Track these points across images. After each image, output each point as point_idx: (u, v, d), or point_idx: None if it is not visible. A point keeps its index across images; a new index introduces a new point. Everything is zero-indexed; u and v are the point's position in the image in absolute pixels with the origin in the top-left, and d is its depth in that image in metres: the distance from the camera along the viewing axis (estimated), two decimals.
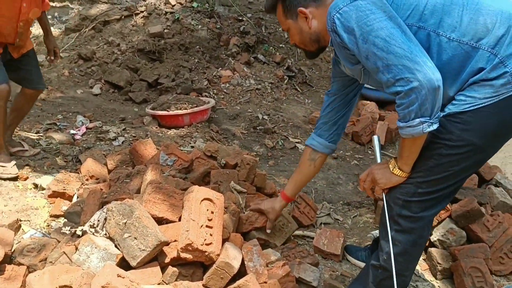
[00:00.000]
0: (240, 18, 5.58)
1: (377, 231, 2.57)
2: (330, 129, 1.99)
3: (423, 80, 1.33)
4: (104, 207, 1.76)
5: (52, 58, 2.99)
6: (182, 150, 3.26)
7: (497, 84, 1.41)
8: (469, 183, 2.49)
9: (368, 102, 4.46)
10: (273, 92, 4.87)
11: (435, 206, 1.64)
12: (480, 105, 1.43)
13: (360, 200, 3.02)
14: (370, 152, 3.92)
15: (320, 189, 3.16)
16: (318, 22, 1.65)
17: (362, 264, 2.20)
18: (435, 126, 1.42)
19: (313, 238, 2.42)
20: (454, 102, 1.48)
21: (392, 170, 1.59)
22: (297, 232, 2.45)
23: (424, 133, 1.42)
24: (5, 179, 2.58)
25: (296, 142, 3.89)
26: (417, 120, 1.39)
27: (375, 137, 1.79)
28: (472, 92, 1.44)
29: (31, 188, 2.55)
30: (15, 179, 2.61)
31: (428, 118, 1.39)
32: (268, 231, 2.19)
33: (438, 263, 2.19)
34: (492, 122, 1.45)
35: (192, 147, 3.39)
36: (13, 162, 2.68)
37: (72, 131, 3.37)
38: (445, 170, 1.53)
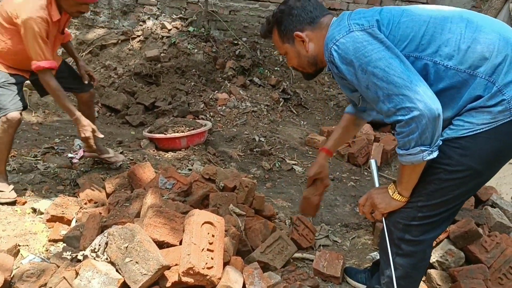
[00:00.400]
0: (236, 42, 5.66)
1: (376, 253, 2.58)
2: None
3: (423, 109, 1.36)
4: (105, 231, 1.76)
5: (86, 82, 3.05)
6: (180, 173, 3.27)
7: (495, 111, 1.44)
8: (466, 204, 2.52)
9: None
10: (269, 114, 4.91)
11: (435, 229, 1.67)
12: (478, 131, 1.47)
13: (358, 222, 3.03)
14: (366, 173, 3.95)
15: (318, 211, 3.16)
16: (315, 45, 1.69)
17: (362, 287, 2.20)
18: (435, 155, 1.45)
19: (312, 260, 2.42)
20: (452, 127, 1.51)
21: (392, 195, 1.62)
22: (296, 255, 2.45)
23: (424, 161, 1.46)
24: (3, 204, 2.57)
25: (293, 164, 3.91)
26: (417, 148, 1.42)
27: (372, 161, 1.83)
28: (470, 118, 1.47)
29: (29, 213, 2.54)
30: (13, 203, 2.60)
31: (428, 146, 1.42)
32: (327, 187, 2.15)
33: (438, 284, 2.19)
34: (490, 147, 1.48)
35: (190, 169, 3.40)
36: (11, 187, 2.67)
37: (69, 155, 3.36)
38: (445, 194, 1.56)
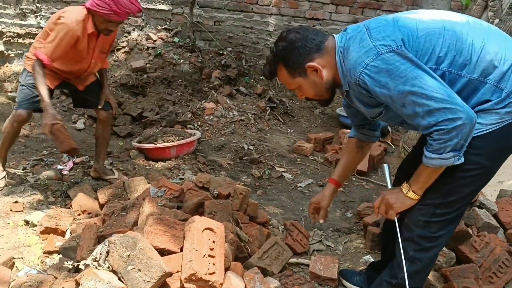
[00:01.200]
0: (221, 52, 5.71)
1: (369, 256, 2.63)
2: (369, 126, 2.06)
3: (465, 118, 1.45)
4: (106, 240, 1.77)
5: (100, 107, 3.21)
6: (171, 182, 3.28)
7: (502, 112, 1.56)
8: None
9: (349, 130, 4.57)
10: (256, 123, 4.96)
11: (452, 224, 1.77)
12: (487, 131, 1.57)
13: (349, 226, 3.08)
14: (354, 179, 4.01)
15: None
16: (328, 70, 1.70)
17: None
18: (462, 159, 1.55)
19: (307, 265, 2.46)
20: None
21: (406, 193, 1.69)
22: (292, 260, 2.48)
23: (453, 165, 1.55)
24: None
25: (283, 171, 3.96)
26: (451, 153, 1.52)
27: (385, 166, 1.92)
28: (479, 119, 1.55)
29: (22, 225, 2.52)
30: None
31: (459, 152, 1.53)
32: (321, 221, 2.21)
33: (431, 284, 2.24)
34: (499, 145, 1.60)
35: (181, 179, 3.41)
36: (4, 174, 2.92)
37: (59, 167, 3.34)
38: (461, 191, 1.66)
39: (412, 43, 1.55)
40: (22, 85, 2.94)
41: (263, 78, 5.66)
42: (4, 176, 2.97)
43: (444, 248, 2.34)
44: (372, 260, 2.59)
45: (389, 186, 1.83)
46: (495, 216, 2.65)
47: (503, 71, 1.54)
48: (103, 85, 3.26)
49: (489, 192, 3.11)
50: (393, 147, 4.69)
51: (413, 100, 1.49)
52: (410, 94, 1.48)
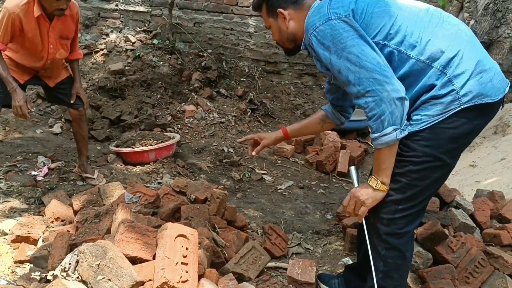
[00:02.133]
0: (201, 53, 5.67)
1: (347, 258, 2.62)
2: (343, 108, 2.14)
3: (391, 91, 1.52)
4: (75, 249, 1.72)
5: (72, 102, 3.21)
6: (149, 186, 3.23)
7: (446, 101, 1.60)
8: (431, 206, 2.60)
9: (330, 131, 4.58)
10: (237, 125, 4.93)
11: (416, 219, 1.79)
12: (434, 122, 1.62)
13: (328, 229, 3.07)
14: (334, 180, 4.01)
15: (289, 219, 3.19)
16: (295, 24, 1.82)
17: None
18: (405, 133, 1.59)
19: (285, 269, 2.44)
20: (411, 122, 1.65)
21: (375, 186, 1.69)
22: (270, 264, 2.46)
23: (397, 139, 1.58)
24: None
25: (263, 174, 3.94)
26: (390, 127, 1.55)
27: (352, 168, 1.92)
28: (425, 111, 1.62)
29: None
30: None
31: (399, 125, 1.56)
32: (254, 153, 2.28)
33: (409, 286, 2.24)
34: (447, 136, 1.63)
35: (159, 183, 3.36)
36: None
37: (33, 173, 3.27)
38: (418, 184, 1.68)
39: (364, 16, 1.63)
40: (12, 89, 2.87)
41: (244, 79, 5.65)
42: None
43: (420, 249, 2.35)
44: (350, 262, 2.59)
45: (356, 185, 1.82)
46: (471, 216, 2.67)
47: (449, 57, 1.59)
48: (74, 79, 3.24)
49: (466, 192, 3.14)
50: (373, 147, 4.71)
51: (347, 66, 1.58)
52: (346, 60, 1.57)
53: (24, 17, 2.80)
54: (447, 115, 1.60)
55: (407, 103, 1.55)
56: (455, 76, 1.58)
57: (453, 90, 1.58)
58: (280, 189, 3.75)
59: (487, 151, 3.86)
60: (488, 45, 3.96)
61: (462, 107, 1.59)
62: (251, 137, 2.32)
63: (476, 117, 1.63)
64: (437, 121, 1.61)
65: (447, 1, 4.44)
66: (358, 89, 1.56)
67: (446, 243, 2.34)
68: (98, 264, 1.62)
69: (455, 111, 1.59)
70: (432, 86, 1.60)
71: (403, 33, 1.61)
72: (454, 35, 1.63)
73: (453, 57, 1.59)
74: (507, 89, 1.69)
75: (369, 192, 1.70)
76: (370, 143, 4.81)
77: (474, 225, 2.59)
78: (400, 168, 1.67)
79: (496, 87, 1.62)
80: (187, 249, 1.77)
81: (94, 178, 3.33)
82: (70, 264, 1.70)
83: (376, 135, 1.57)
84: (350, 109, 2.15)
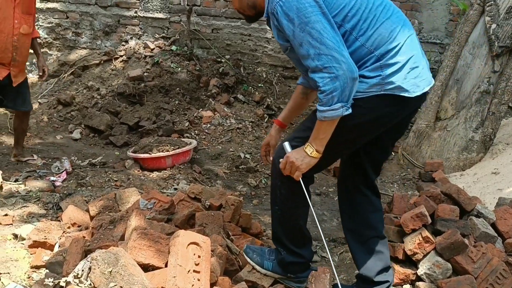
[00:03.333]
0: (219, 59, 5.69)
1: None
2: None
3: (346, 70, 1.63)
4: (88, 256, 1.73)
5: (41, 74, 3.66)
6: (165, 192, 3.24)
7: (371, 83, 1.75)
8: (451, 215, 2.53)
9: None
10: (254, 131, 4.92)
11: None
12: (356, 97, 1.73)
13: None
14: None
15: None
16: None
17: None
18: (350, 111, 1.69)
19: None
20: None
21: (310, 153, 1.80)
22: None
23: (342, 115, 1.69)
24: None
25: None
26: (339, 104, 1.66)
27: (286, 144, 1.93)
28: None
29: (10, 239, 2.48)
30: None
31: (346, 103, 1.67)
32: (270, 158, 2.28)
33: None
34: (362, 112, 1.76)
35: (175, 189, 3.37)
36: None
37: (52, 178, 3.32)
38: (336, 149, 1.87)
39: None
40: None
41: (261, 85, 5.64)
42: None
43: (439, 259, 2.28)
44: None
45: (289, 150, 1.90)
46: (493, 225, 2.58)
47: (388, 48, 1.74)
48: (37, 55, 3.69)
49: (487, 200, 3.05)
50: (393, 154, 4.63)
51: (309, 41, 1.65)
52: (308, 34, 1.65)
53: None
54: (367, 95, 1.75)
55: (357, 82, 1.67)
56: (387, 65, 1.74)
57: (379, 75, 1.74)
58: None
59: (511, 158, 3.76)
60: (511, 50, 3.86)
61: (382, 93, 1.75)
62: (264, 150, 2.37)
63: (390, 105, 1.79)
64: (357, 97, 1.73)
65: (468, 5, 4.36)
66: (316, 64, 1.65)
67: (466, 253, 2.27)
68: (110, 271, 1.62)
69: (375, 94, 1.75)
70: (365, 68, 1.76)
71: (358, 18, 1.73)
72: (398, 28, 1.77)
73: (392, 48, 1.74)
74: (427, 89, 1.84)
75: (304, 157, 1.81)
76: None
77: (496, 235, 2.51)
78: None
79: (417, 85, 1.78)
80: (199, 257, 1.75)
81: (34, 159, 3.72)
82: (83, 270, 1.70)
83: (323, 108, 1.68)
84: None
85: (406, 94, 1.76)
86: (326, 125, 1.73)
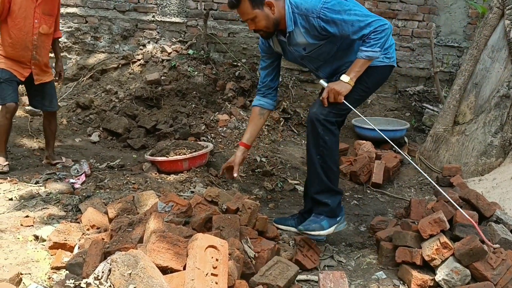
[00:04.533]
0: (235, 63, 5.72)
1: (381, 272, 2.56)
2: (272, 91, 2.84)
3: (389, 25, 2.40)
4: (108, 258, 1.76)
5: (57, 78, 3.85)
6: (182, 195, 3.27)
7: (387, 56, 2.61)
8: (470, 221, 2.50)
9: (364, 141, 4.51)
10: (270, 134, 4.93)
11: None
12: (375, 65, 2.54)
13: (362, 241, 3.01)
14: (369, 191, 3.94)
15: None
16: (278, 10, 2.43)
17: None
18: (382, 56, 2.52)
19: (316, 281, 2.40)
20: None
21: (348, 81, 2.44)
22: (301, 277, 2.43)
23: (377, 58, 2.46)
24: None
25: (296, 184, 3.91)
26: (378, 49, 2.39)
27: (321, 81, 2.58)
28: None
29: (31, 240, 2.53)
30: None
31: (382, 50, 2.44)
32: (235, 175, 2.92)
33: None
34: (377, 76, 2.61)
35: (192, 192, 3.39)
36: (7, 163, 3.50)
37: (71, 180, 3.37)
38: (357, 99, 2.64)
39: None
40: None
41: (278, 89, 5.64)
42: (8, 164, 3.54)
43: (458, 265, 2.26)
44: (384, 276, 2.52)
45: (325, 84, 2.52)
46: None
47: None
48: (57, 57, 3.87)
49: (507, 206, 3.01)
50: (410, 158, 4.59)
51: (357, 19, 2.34)
52: (355, 15, 2.34)
53: None
54: (385, 64, 2.58)
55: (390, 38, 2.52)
56: (391, 45, 2.63)
57: (389, 52, 2.60)
58: None
59: None
60: None
61: (390, 63, 2.62)
62: (224, 169, 3.01)
63: (389, 72, 2.69)
64: (379, 65, 2.55)
65: (487, 8, 4.32)
66: (369, 29, 2.34)
67: (485, 259, 2.24)
68: (130, 273, 1.64)
69: (387, 64, 2.60)
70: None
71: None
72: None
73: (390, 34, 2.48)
74: None
75: (343, 85, 2.45)
76: (405, 154, 4.70)
77: None
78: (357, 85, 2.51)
79: (395, 58, 2.67)
80: (217, 260, 1.77)
81: (63, 161, 3.82)
82: (103, 272, 1.73)
83: (367, 49, 2.38)
84: (275, 91, 2.85)
85: (395, 64, 2.66)
86: (363, 62, 2.42)
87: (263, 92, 2.84)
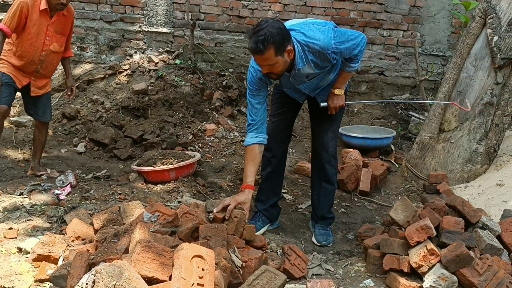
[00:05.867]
0: (222, 73, 5.74)
1: (369, 280, 2.55)
2: (265, 125, 2.83)
3: (365, 38, 2.73)
4: (92, 269, 1.73)
5: (69, 93, 3.92)
6: (169, 205, 3.24)
7: None
8: (456, 227, 2.51)
9: (351, 150, 4.53)
10: None
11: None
12: None
13: (350, 249, 3.01)
14: (356, 199, 3.95)
15: (309, 239, 3.15)
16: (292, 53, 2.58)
17: None
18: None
19: None
20: None
21: (341, 93, 2.89)
22: (289, 286, 2.41)
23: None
24: None
25: (283, 192, 3.90)
26: (359, 63, 2.82)
27: (323, 103, 2.94)
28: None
29: (14, 253, 2.48)
30: None
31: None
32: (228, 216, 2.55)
33: None
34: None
35: (179, 202, 3.37)
36: None
37: (56, 192, 3.33)
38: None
39: None
40: None
41: None
42: None
43: (445, 272, 2.27)
44: (372, 284, 2.52)
45: (326, 104, 2.94)
46: (498, 237, 2.57)
47: None
48: (67, 75, 3.94)
49: (493, 212, 3.04)
50: (396, 166, 4.63)
51: (353, 43, 2.64)
52: (351, 40, 2.63)
53: (31, 7, 3.32)
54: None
55: None
56: None
57: None
58: (301, 208, 3.71)
59: None
60: None
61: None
62: (234, 205, 2.55)
63: None
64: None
65: (469, 17, 4.39)
66: (361, 48, 2.68)
67: (472, 265, 2.25)
68: (114, 285, 1.62)
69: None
70: None
71: None
72: None
73: None
74: None
75: (339, 97, 2.89)
76: (393, 162, 4.73)
77: (502, 247, 2.49)
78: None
79: None
80: (203, 269, 1.75)
81: (48, 173, 3.78)
82: (87, 284, 1.70)
83: (355, 64, 2.75)
84: (265, 125, 2.85)
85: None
86: (349, 75, 2.90)
87: (258, 127, 2.80)
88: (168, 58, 5.77)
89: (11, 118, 4.98)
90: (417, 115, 5.55)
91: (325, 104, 2.91)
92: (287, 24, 2.65)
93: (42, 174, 3.75)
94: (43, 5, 3.38)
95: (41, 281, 2.23)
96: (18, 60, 3.49)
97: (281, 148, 3.16)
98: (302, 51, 2.58)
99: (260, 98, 2.78)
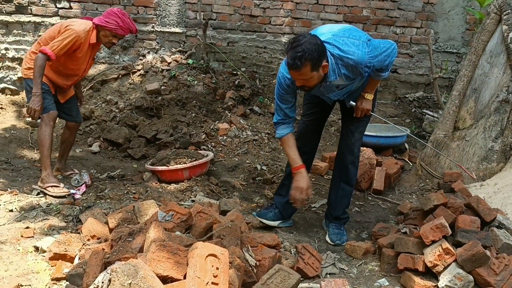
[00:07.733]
0: (235, 72, 5.74)
1: (384, 279, 2.54)
2: (292, 122, 2.97)
3: (396, 47, 2.76)
4: (108, 268, 1.75)
5: (79, 104, 3.96)
6: (182, 204, 3.26)
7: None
8: (472, 226, 2.49)
9: (365, 148, 4.50)
10: (270, 142, 4.93)
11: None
12: None
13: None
14: (370, 198, 3.93)
15: (323, 238, 3.14)
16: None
17: None
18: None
19: None
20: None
21: (371, 98, 2.94)
22: (303, 285, 2.41)
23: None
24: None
25: None
26: (389, 72, 2.86)
27: (351, 102, 2.98)
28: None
29: (31, 251, 2.53)
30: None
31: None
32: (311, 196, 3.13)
33: None
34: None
35: (193, 201, 3.39)
36: (62, 185, 3.45)
37: (72, 191, 3.37)
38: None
39: None
40: (38, 93, 3.32)
41: None
42: (64, 186, 3.48)
43: (461, 271, 2.25)
44: (387, 283, 2.51)
45: (354, 104, 2.97)
46: None
47: None
48: (79, 85, 3.94)
49: (509, 211, 2.99)
50: (411, 164, 4.59)
51: (385, 55, 2.68)
52: (383, 52, 2.68)
53: (84, 40, 3.39)
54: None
55: None
56: None
57: None
58: (314, 207, 3.70)
59: None
60: None
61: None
62: (304, 198, 2.91)
63: None
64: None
65: (484, 14, 4.33)
66: (390, 57, 2.71)
67: (488, 265, 2.24)
68: (130, 283, 1.63)
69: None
70: None
71: None
72: None
73: None
74: None
75: (368, 102, 2.94)
76: (407, 160, 4.69)
77: None
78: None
79: None
80: (217, 268, 1.76)
81: (76, 172, 3.81)
82: (103, 282, 1.72)
83: (386, 73, 2.78)
84: (293, 122, 2.99)
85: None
86: (378, 82, 2.92)
87: (287, 123, 2.94)
88: (181, 58, 5.79)
89: (27, 119, 5.05)
90: (431, 113, 5.50)
91: (353, 103, 2.94)
92: (321, 32, 2.70)
93: (70, 174, 3.80)
94: (93, 39, 3.46)
95: (58, 279, 2.26)
96: (53, 74, 3.53)
97: (309, 147, 3.22)
98: (335, 64, 2.63)
99: (289, 104, 2.88)
